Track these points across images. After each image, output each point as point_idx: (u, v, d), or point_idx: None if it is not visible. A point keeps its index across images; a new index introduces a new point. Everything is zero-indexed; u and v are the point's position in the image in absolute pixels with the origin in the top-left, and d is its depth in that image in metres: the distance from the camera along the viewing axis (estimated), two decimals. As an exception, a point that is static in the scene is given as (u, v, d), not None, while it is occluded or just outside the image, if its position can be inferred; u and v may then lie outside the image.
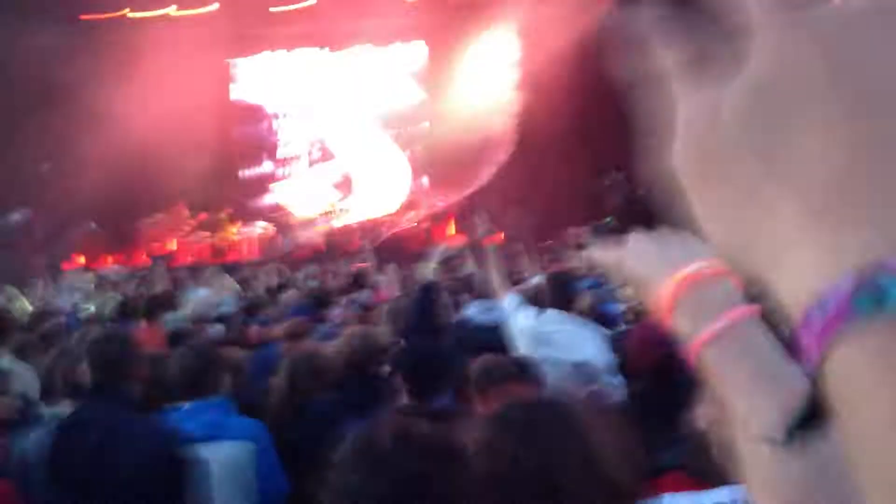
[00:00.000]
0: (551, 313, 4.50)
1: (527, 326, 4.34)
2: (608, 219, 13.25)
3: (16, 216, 15.91)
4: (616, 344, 4.57)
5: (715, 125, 0.45)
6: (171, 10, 17.48)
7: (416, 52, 18.98)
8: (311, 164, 18.85)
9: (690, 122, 0.47)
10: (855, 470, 0.39)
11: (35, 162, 16.49)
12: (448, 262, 5.21)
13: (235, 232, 17.07)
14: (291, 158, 18.87)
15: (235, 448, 3.41)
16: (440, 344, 3.95)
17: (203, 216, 17.04)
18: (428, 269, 5.17)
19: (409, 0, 18.05)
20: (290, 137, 18.90)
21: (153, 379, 3.60)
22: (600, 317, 5.38)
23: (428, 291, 4.86)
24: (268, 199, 18.47)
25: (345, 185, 18.71)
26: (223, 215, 17.14)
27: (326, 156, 18.88)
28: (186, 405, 3.46)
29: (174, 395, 3.47)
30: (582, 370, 4.25)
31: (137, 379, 3.42)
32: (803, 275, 0.41)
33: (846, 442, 0.40)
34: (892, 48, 0.41)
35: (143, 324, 5.90)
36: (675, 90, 0.48)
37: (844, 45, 0.41)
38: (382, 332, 4.66)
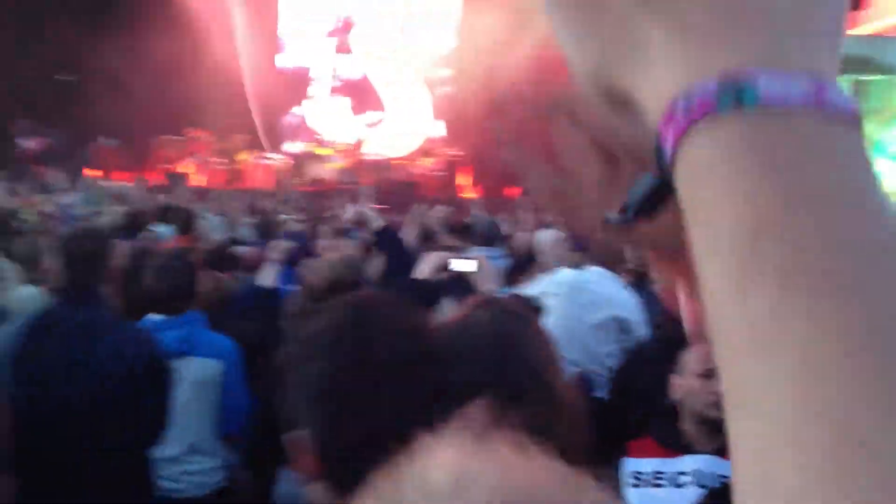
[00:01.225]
0: (592, 269, 4.36)
1: (567, 278, 4.21)
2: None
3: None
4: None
5: None
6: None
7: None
8: (339, 92, 18.83)
9: None
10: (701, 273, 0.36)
11: (53, 72, 16.43)
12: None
13: (251, 160, 17.00)
14: (322, 85, 18.90)
15: (205, 365, 3.42)
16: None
17: (221, 141, 16.98)
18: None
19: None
20: (325, 66, 18.88)
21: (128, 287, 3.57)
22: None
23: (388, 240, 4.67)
24: (292, 124, 18.54)
25: (370, 118, 18.77)
26: (240, 142, 17.08)
27: (356, 88, 18.83)
28: (159, 318, 3.42)
29: (150, 306, 3.42)
30: (621, 324, 4.18)
31: (113, 281, 3.36)
32: (670, 81, 0.39)
33: (693, 245, 0.36)
34: None
35: (174, 234, 6.01)
36: None
37: None
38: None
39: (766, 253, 0.33)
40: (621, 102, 0.43)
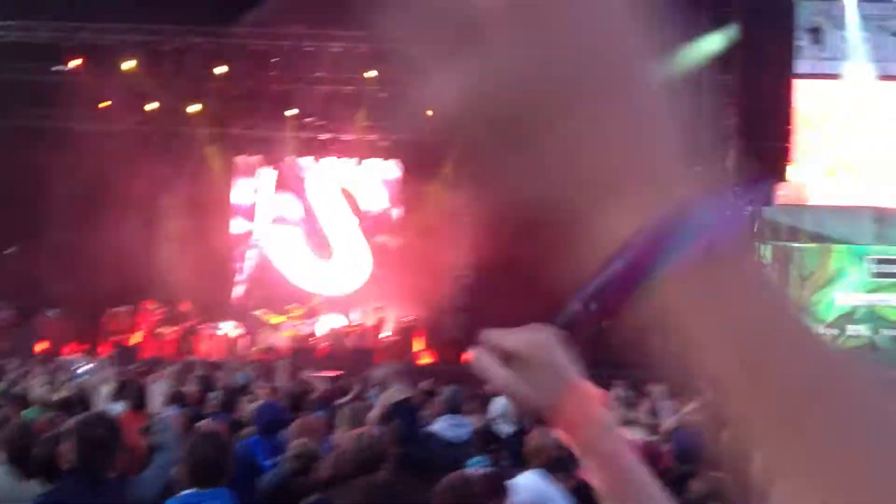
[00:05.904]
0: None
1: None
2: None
3: None
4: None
5: None
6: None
7: (391, 168, 19.61)
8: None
9: None
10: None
11: (1, 245, 16.43)
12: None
13: (201, 329, 16.93)
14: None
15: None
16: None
17: (170, 311, 16.94)
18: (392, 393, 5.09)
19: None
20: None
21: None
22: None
23: (405, 411, 4.80)
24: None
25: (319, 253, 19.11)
26: (190, 311, 17.05)
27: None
28: (187, 492, 3.48)
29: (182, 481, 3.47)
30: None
31: (118, 464, 3.39)
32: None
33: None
34: None
35: (126, 410, 5.90)
36: None
37: None
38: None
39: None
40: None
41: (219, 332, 16.88)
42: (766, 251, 16.50)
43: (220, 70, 17.56)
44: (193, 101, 17.86)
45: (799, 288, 16.91)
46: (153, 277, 16.51)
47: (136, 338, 16.52)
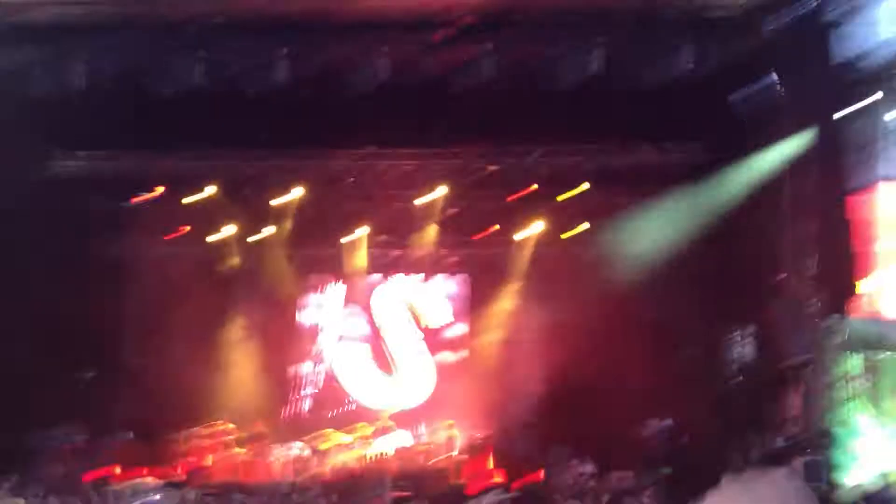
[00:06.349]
0: None
1: None
2: (663, 468, 13.11)
3: None
4: None
5: None
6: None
7: (459, 284, 19.74)
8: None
9: None
10: None
11: (77, 369, 16.77)
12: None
13: (271, 451, 16.92)
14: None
15: None
16: None
17: (240, 433, 17.04)
18: None
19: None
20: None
21: None
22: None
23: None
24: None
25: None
26: (261, 433, 17.11)
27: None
28: None
29: None
30: None
31: None
32: None
33: None
34: None
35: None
36: None
37: None
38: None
39: None
40: None
41: (289, 453, 16.82)
42: (857, 363, 15.69)
43: (297, 192, 17.90)
44: (268, 224, 18.28)
45: (892, 400, 16.03)
46: (223, 399, 16.78)
47: (208, 460, 16.56)
